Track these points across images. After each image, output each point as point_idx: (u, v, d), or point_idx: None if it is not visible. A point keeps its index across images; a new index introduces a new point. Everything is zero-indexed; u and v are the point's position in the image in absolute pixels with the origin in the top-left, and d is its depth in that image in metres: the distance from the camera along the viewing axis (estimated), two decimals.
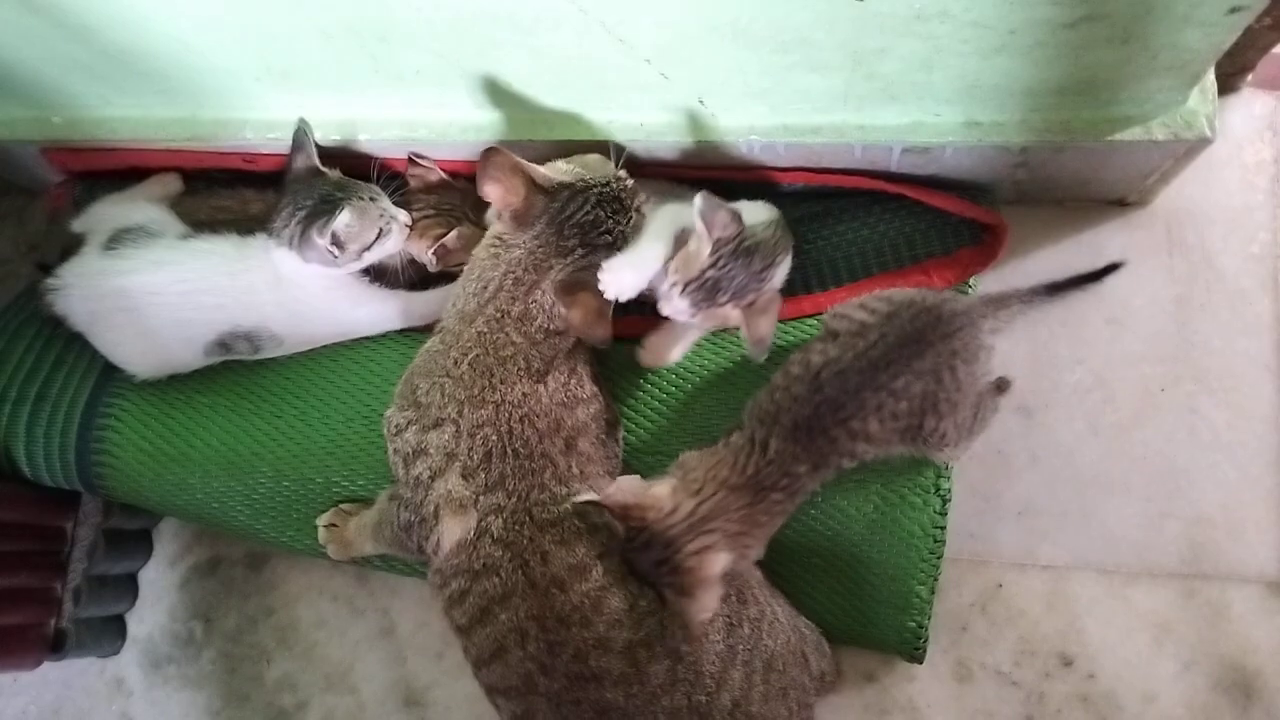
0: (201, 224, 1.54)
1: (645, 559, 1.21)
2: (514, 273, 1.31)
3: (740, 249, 1.31)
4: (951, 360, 1.21)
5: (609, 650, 1.19)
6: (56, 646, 1.63)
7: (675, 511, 1.20)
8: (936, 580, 1.38)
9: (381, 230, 1.46)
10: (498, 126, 1.50)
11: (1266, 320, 1.58)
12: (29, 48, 1.43)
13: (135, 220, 1.50)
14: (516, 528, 1.23)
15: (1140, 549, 1.53)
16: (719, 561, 1.17)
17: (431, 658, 1.68)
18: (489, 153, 1.31)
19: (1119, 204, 1.63)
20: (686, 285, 1.32)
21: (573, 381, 1.35)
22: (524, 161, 1.33)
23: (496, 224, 1.37)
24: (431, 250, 1.50)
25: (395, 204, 1.50)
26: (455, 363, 1.30)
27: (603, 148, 1.46)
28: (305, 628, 1.74)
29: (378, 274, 1.55)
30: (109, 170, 1.67)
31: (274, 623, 1.75)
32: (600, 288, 1.30)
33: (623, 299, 1.32)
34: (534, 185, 1.33)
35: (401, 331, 1.57)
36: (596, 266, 1.30)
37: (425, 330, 1.51)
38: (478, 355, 1.30)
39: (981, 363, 1.25)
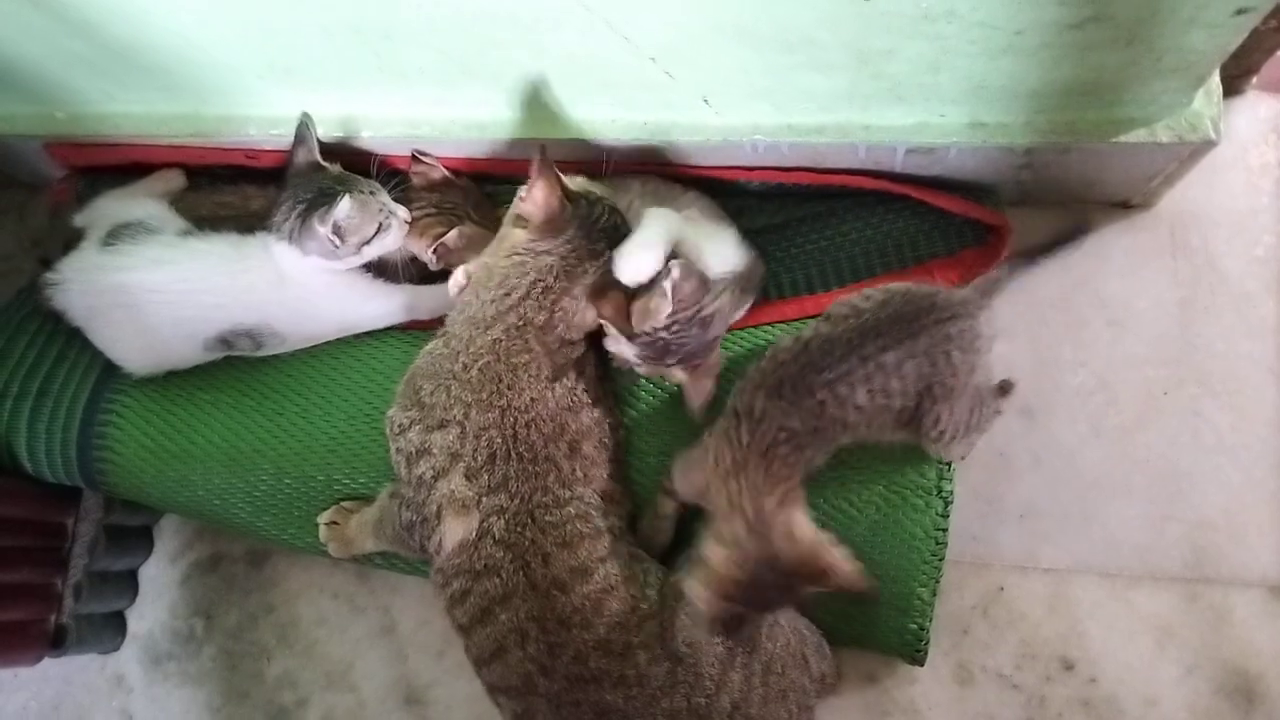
0: (204, 220, 1.53)
1: (772, 598, 1.18)
2: (543, 280, 1.30)
3: (697, 318, 1.31)
4: (946, 345, 1.21)
5: (609, 652, 1.19)
6: (57, 642, 1.63)
7: (737, 542, 1.14)
8: (938, 582, 1.38)
9: (381, 225, 1.45)
10: (501, 124, 1.50)
11: (1270, 323, 1.57)
12: (32, 43, 1.43)
13: (134, 216, 1.50)
14: (519, 529, 1.23)
15: (1142, 552, 1.53)
16: (799, 516, 1.15)
17: (432, 656, 1.68)
18: (545, 160, 1.30)
19: (1123, 206, 1.63)
20: (638, 337, 1.31)
21: (579, 387, 1.34)
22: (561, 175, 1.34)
23: (520, 232, 1.34)
24: (432, 249, 1.50)
25: (395, 200, 1.50)
26: (464, 367, 1.29)
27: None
28: (306, 625, 1.74)
29: (378, 271, 1.55)
30: (112, 166, 1.67)
31: (274, 620, 1.75)
32: (616, 274, 1.30)
33: (641, 280, 1.30)
34: (566, 191, 1.33)
35: (403, 329, 1.57)
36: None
37: (427, 327, 1.51)
38: (489, 362, 1.29)
39: (979, 353, 1.24)
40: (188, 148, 1.62)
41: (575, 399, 1.34)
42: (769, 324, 1.50)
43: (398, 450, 1.32)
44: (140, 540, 1.81)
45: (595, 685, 1.18)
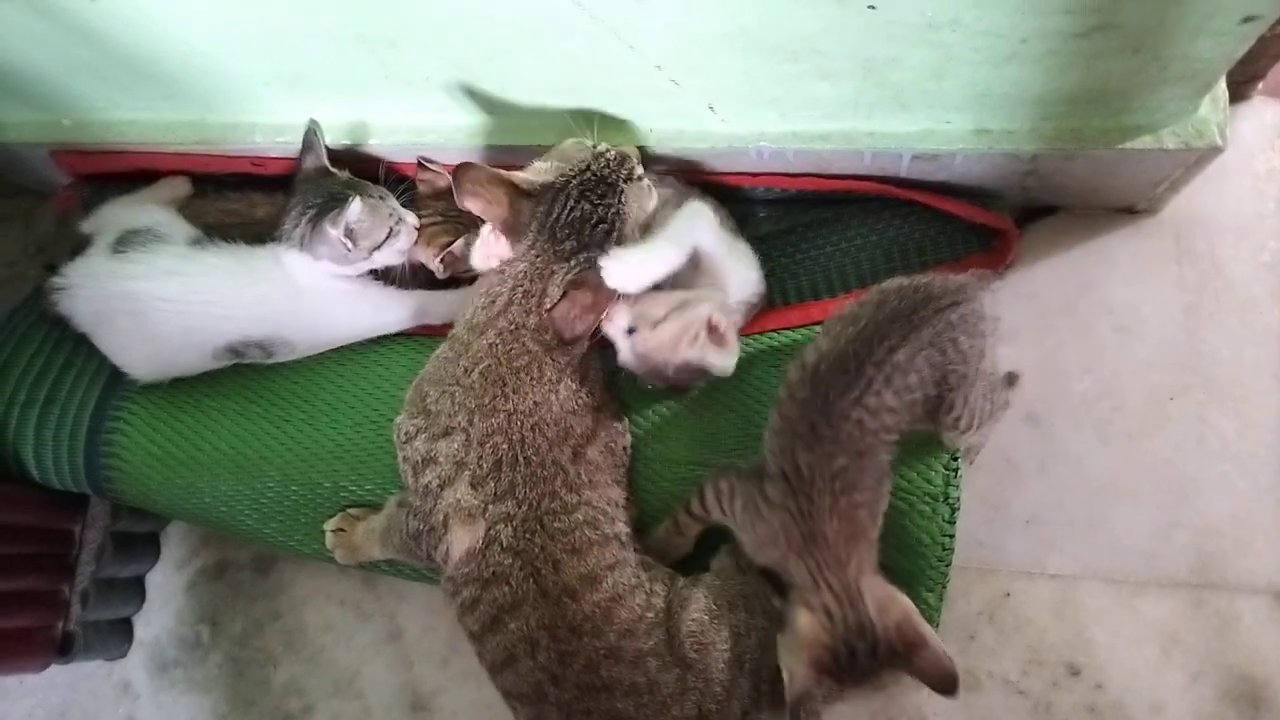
0: (210, 227, 1.54)
1: (865, 669, 1.12)
2: (521, 286, 1.30)
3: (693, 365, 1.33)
4: (951, 332, 1.18)
5: (620, 660, 1.19)
6: (64, 649, 1.63)
7: (828, 611, 1.11)
8: (945, 588, 1.37)
9: (391, 230, 1.46)
10: (507, 132, 1.50)
11: (1276, 329, 1.57)
12: (39, 51, 1.43)
13: (143, 222, 1.50)
14: (527, 536, 1.23)
15: (1149, 558, 1.53)
16: (880, 587, 1.12)
17: (438, 663, 1.68)
18: (461, 168, 1.30)
19: (1128, 212, 1.63)
20: (639, 352, 1.33)
21: (583, 390, 1.34)
22: (502, 171, 1.32)
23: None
24: (439, 257, 1.50)
25: (403, 206, 1.50)
26: (465, 371, 1.29)
27: None
28: (312, 632, 1.74)
29: (390, 277, 1.55)
30: (118, 173, 1.68)
31: (281, 627, 1.75)
32: (603, 277, 1.28)
33: (625, 291, 1.30)
34: (517, 192, 1.31)
35: (410, 335, 1.57)
36: (595, 264, 1.29)
37: (437, 332, 1.51)
38: (489, 365, 1.29)
39: (985, 336, 1.22)
40: (194, 155, 1.62)
41: (580, 402, 1.33)
42: (775, 330, 1.51)
43: (405, 459, 1.32)
44: (147, 547, 1.81)
45: (606, 694, 1.18)
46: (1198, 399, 1.57)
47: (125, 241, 1.47)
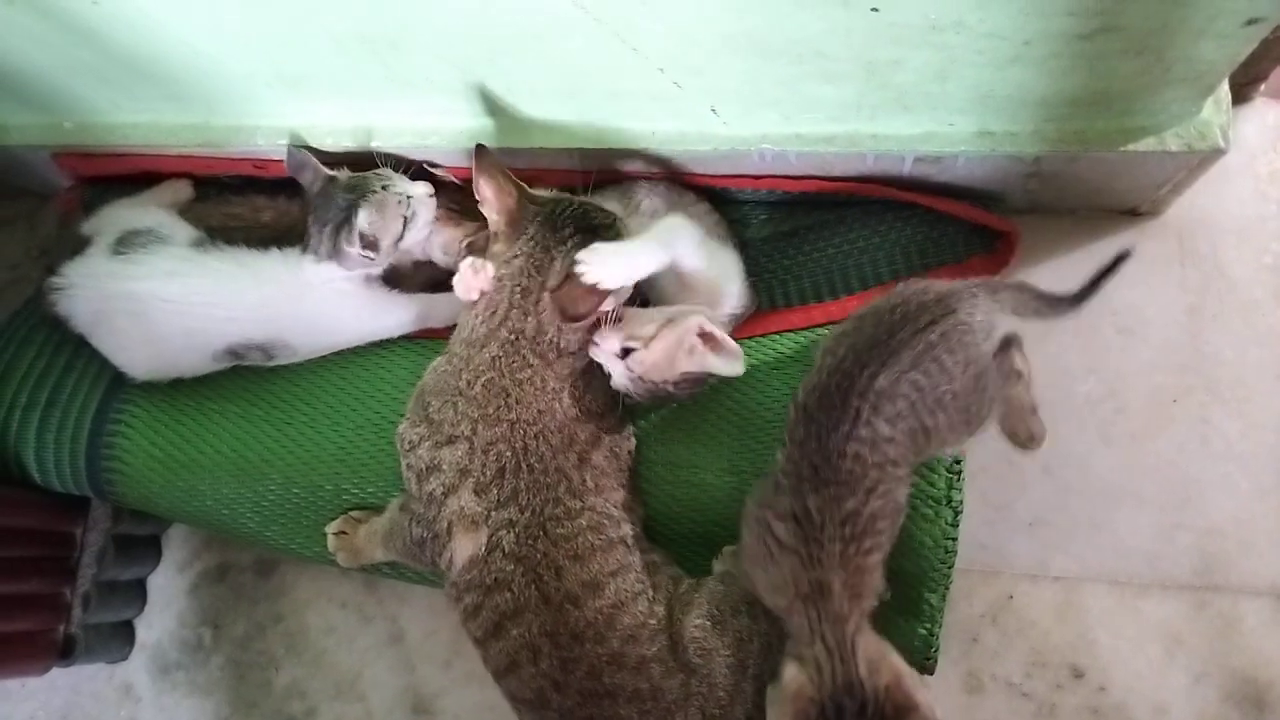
0: (213, 231, 1.53)
1: None
2: (520, 283, 1.30)
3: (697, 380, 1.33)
4: (931, 352, 1.15)
5: (623, 666, 1.19)
6: (65, 652, 1.63)
7: (819, 666, 1.08)
8: (947, 589, 1.37)
9: (406, 218, 1.46)
10: (509, 134, 1.50)
11: (1279, 331, 1.57)
12: (41, 53, 1.43)
13: (145, 223, 1.50)
14: (530, 542, 1.23)
15: (1152, 560, 1.53)
16: (874, 646, 1.09)
17: (440, 666, 1.68)
18: (482, 148, 1.32)
19: (1131, 214, 1.63)
20: (635, 374, 1.31)
21: (587, 396, 1.34)
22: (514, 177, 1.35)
23: (495, 248, 1.34)
24: (464, 242, 1.50)
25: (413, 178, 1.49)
26: (468, 384, 1.29)
27: None
28: (314, 635, 1.74)
29: (391, 279, 1.55)
30: (120, 175, 1.68)
31: (282, 629, 1.75)
32: (579, 269, 1.24)
33: (602, 286, 1.24)
34: (524, 192, 1.34)
35: (411, 339, 1.57)
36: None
37: (436, 336, 1.51)
38: (492, 378, 1.29)
39: (970, 347, 1.19)
40: (196, 157, 1.62)
41: (584, 409, 1.33)
42: (776, 333, 1.50)
43: (408, 467, 1.32)
44: (148, 550, 1.81)
45: (610, 700, 1.18)
46: (1201, 400, 1.57)
47: (126, 242, 1.47)
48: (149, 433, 1.53)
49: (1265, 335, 1.57)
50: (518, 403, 1.28)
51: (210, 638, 1.77)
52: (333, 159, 1.52)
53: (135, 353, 1.50)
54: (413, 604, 1.71)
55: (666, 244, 1.33)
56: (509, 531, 1.23)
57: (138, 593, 1.80)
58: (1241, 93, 1.59)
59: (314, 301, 1.47)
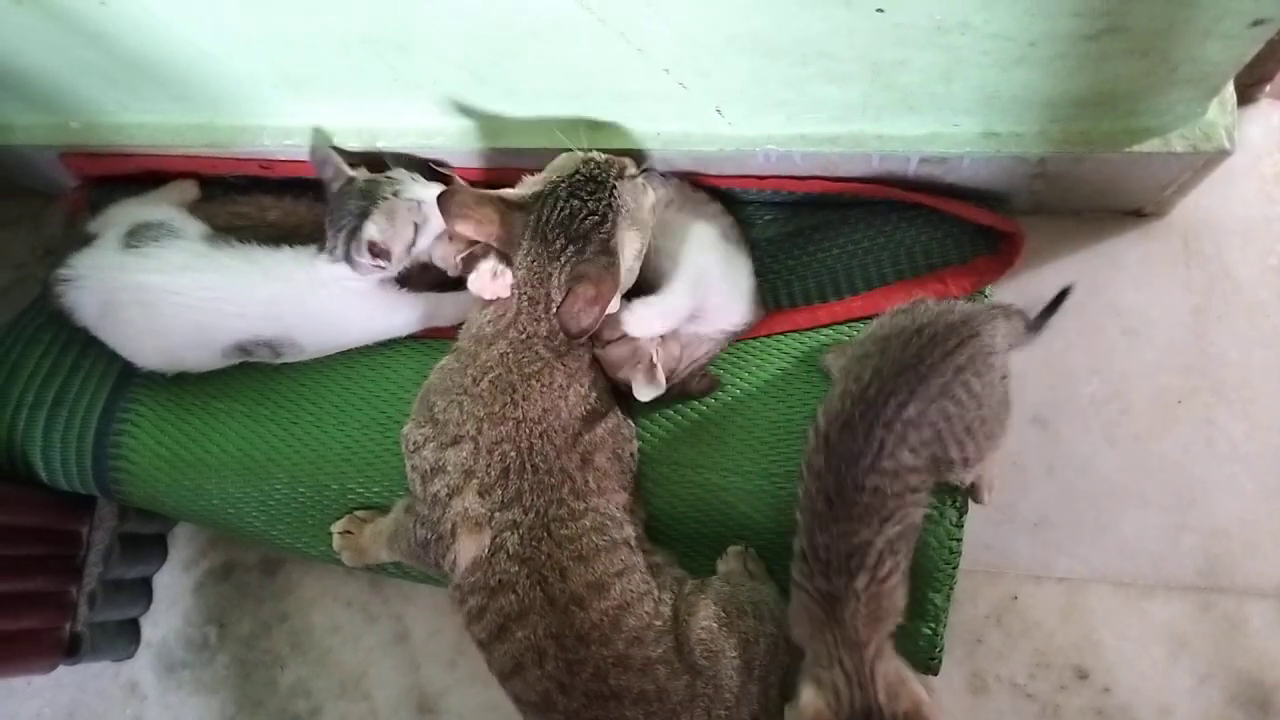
0: (220, 230, 1.53)
1: None
2: (526, 294, 1.30)
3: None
4: (960, 376, 1.14)
5: (628, 668, 1.19)
6: (71, 650, 1.64)
7: (836, 690, 1.09)
8: (952, 589, 1.37)
9: (417, 224, 1.45)
10: (514, 135, 1.51)
11: None
12: (48, 54, 1.44)
13: (156, 217, 1.50)
14: (534, 543, 1.23)
15: (1156, 561, 1.53)
16: (894, 672, 1.10)
17: (445, 665, 1.68)
18: (445, 195, 1.30)
19: (1136, 215, 1.63)
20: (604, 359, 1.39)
21: (592, 395, 1.34)
22: (488, 191, 1.32)
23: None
24: (460, 256, 1.50)
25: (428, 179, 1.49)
26: (474, 380, 1.29)
27: None
28: (319, 634, 1.74)
29: (401, 279, 1.54)
30: (126, 175, 1.68)
31: (288, 628, 1.75)
32: (624, 329, 1.33)
33: (645, 340, 1.36)
34: (507, 207, 1.32)
35: (418, 338, 1.57)
36: (595, 253, 1.28)
37: (446, 335, 1.51)
38: (499, 374, 1.29)
39: (995, 370, 1.18)
40: (202, 158, 1.63)
41: (588, 408, 1.34)
42: (781, 333, 1.51)
43: (413, 468, 1.32)
44: (154, 548, 1.81)
45: (615, 702, 1.18)
46: (1206, 401, 1.57)
47: (138, 235, 1.46)
48: (155, 432, 1.54)
49: (1270, 336, 1.57)
50: (524, 399, 1.28)
51: (215, 636, 1.78)
52: (355, 157, 1.52)
53: (143, 345, 1.50)
54: (417, 603, 1.71)
55: (700, 276, 1.40)
56: (513, 533, 1.23)
57: (143, 591, 1.80)
58: (1247, 94, 1.59)
59: (324, 299, 1.46)
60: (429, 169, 1.56)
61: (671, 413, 1.45)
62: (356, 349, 1.56)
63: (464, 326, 1.38)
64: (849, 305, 1.51)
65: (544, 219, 1.29)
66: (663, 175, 1.54)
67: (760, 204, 1.63)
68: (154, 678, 1.78)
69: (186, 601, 1.80)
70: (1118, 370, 1.59)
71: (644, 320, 1.34)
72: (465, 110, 1.48)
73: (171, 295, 1.44)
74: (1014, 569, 1.56)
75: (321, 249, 1.46)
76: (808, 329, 1.49)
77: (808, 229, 1.61)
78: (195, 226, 1.52)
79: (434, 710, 1.67)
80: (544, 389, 1.29)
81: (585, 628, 1.19)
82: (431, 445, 1.29)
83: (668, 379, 1.37)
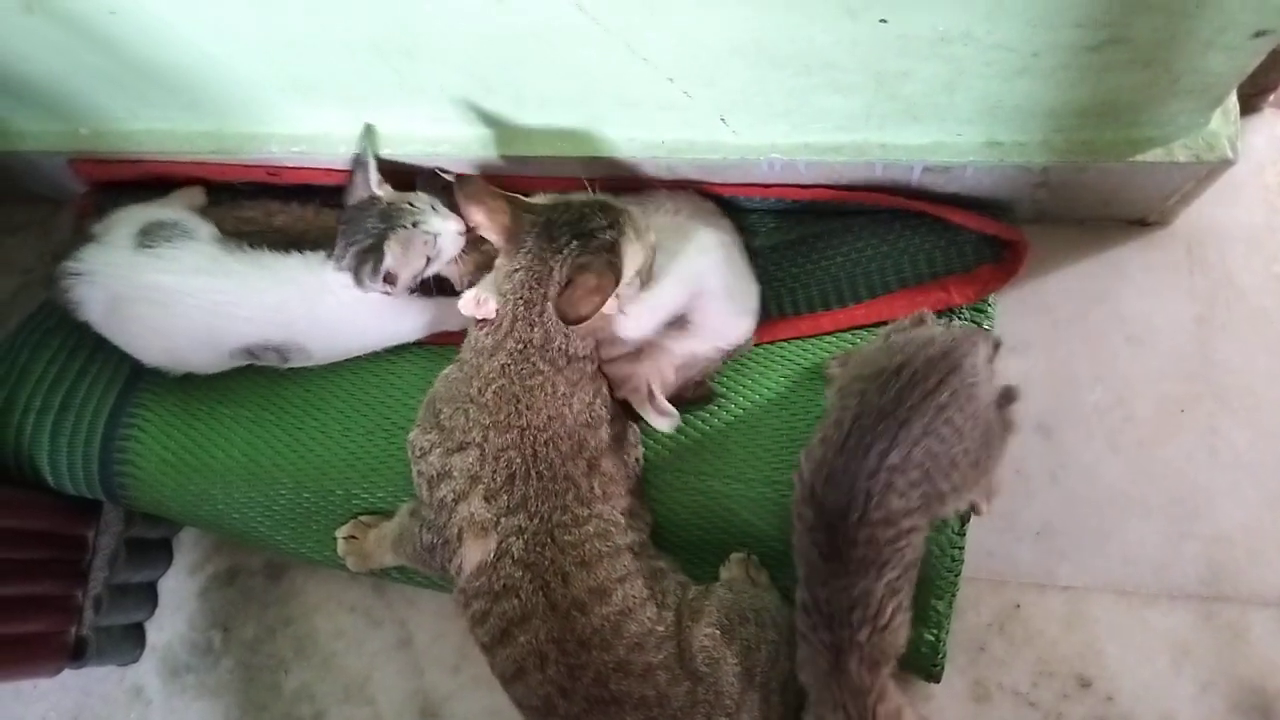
0: (227, 235, 1.54)
1: None
2: (522, 296, 1.30)
3: None
4: (942, 415, 1.11)
5: (629, 673, 1.19)
6: (77, 654, 1.65)
7: None
8: (954, 597, 1.37)
9: (429, 257, 1.45)
10: (520, 142, 1.51)
11: None
12: (57, 60, 1.44)
13: (169, 217, 1.51)
14: (538, 549, 1.23)
15: (1159, 570, 1.52)
16: (898, 710, 1.11)
17: (449, 670, 1.68)
18: (463, 179, 1.33)
19: (1140, 223, 1.63)
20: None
21: (597, 402, 1.35)
22: (504, 191, 1.34)
23: (498, 263, 1.35)
24: (465, 280, 1.50)
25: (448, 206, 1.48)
26: (479, 390, 1.30)
27: None
28: (323, 638, 1.74)
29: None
30: (134, 181, 1.69)
31: (292, 633, 1.76)
32: (618, 331, 1.35)
33: (635, 336, 1.37)
34: (518, 205, 1.33)
35: (421, 345, 1.58)
36: (596, 251, 1.29)
37: (448, 341, 1.52)
38: (502, 385, 1.30)
39: (977, 400, 1.15)
40: (210, 164, 1.63)
41: (593, 415, 1.34)
42: (785, 340, 1.51)
43: (419, 473, 1.33)
44: (160, 553, 1.82)
45: (616, 707, 1.18)
46: (1209, 409, 1.57)
47: (152, 234, 1.47)
48: (161, 437, 1.55)
49: (1274, 344, 1.57)
50: (528, 409, 1.28)
51: (220, 640, 1.78)
52: (391, 166, 1.54)
53: (150, 344, 1.51)
54: (421, 608, 1.71)
55: (691, 274, 1.42)
56: (518, 538, 1.24)
57: (149, 595, 1.81)
58: (1250, 103, 1.59)
59: (332, 305, 1.47)
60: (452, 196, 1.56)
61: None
62: (361, 356, 1.56)
63: (465, 339, 1.39)
64: (852, 313, 1.52)
65: (554, 219, 1.31)
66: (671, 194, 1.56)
67: (764, 212, 1.63)
68: (159, 682, 1.78)
69: (191, 606, 1.80)
70: (1121, 378, 1.59)
71: (633, 318, 1.36)
72: (471, 118, 1.49)
73: (184, 297, 1.44)
74: (1017, 577, 1.56)
75: (330, 255, 1.46)
76: (811, 336, 1.50)
77: (811, 237, 1.61)
78: (207, 229, 1.52)
79: (437, 715, 1.67)
80: (548, 398, 1.30)
81: (586, 633, 1.20)
82: (438, 451, 1.30)
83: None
